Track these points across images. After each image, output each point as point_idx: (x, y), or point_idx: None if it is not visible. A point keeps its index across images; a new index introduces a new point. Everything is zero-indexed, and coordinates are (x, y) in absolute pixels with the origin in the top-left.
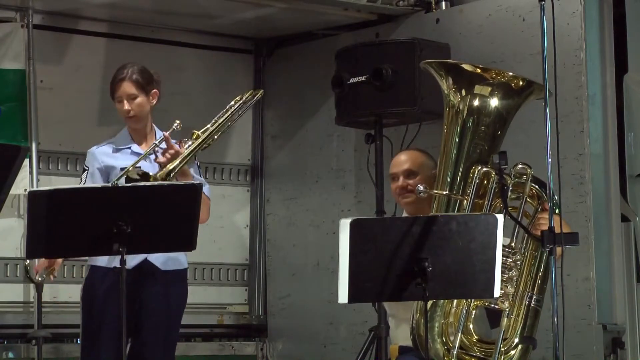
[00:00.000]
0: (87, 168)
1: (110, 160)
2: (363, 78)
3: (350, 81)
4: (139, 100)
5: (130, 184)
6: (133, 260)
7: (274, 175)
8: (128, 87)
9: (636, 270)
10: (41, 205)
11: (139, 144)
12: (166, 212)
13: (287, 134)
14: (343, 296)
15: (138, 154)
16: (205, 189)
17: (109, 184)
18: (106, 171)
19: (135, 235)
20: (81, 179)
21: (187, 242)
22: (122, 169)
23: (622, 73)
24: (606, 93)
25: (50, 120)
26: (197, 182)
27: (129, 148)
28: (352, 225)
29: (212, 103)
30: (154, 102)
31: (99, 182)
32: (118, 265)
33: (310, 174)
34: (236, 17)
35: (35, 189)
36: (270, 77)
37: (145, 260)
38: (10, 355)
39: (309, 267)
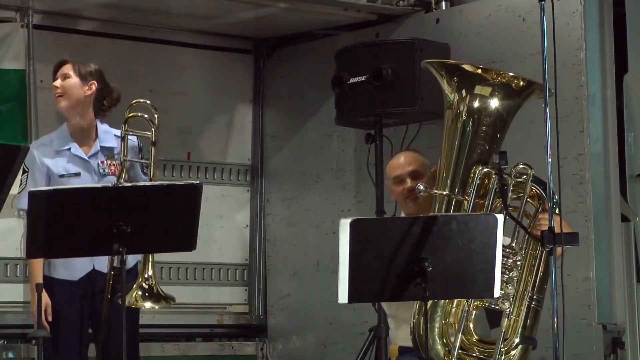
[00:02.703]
0: (27, 170)
1: (50, 163)
2: (363, 78)
3: (350, 81)
4: (71, 81)
5: (130, 184)
6: (78, 271)
7: (274, 175)
8: (66, 68)
9: (636, 270)
10: (41, 205)
11: (80, 143)
12: (166, 212)
13: (287, 134)
14: (343, 296)
15: (77, 157)
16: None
17: (109, 184)
18: (47, 174)
19: (135, 235)
20: (20, 181)
21: (187, 242)
22: (60, 175)
23: (622, 73)
24: (606, 93)
25: (50, 120)
26: (197, 182)
27: (69, 149)
28: (352, 225)
29: (212, 103)
30: (89, 93)
31: (41, 185)
32: (68, 278)
33: (310, 174)
34: (236, 17)
35: (35, 189)
36: (270, 77)
37: (93, 270)
38: (10, 355)
39: (309, 267)
